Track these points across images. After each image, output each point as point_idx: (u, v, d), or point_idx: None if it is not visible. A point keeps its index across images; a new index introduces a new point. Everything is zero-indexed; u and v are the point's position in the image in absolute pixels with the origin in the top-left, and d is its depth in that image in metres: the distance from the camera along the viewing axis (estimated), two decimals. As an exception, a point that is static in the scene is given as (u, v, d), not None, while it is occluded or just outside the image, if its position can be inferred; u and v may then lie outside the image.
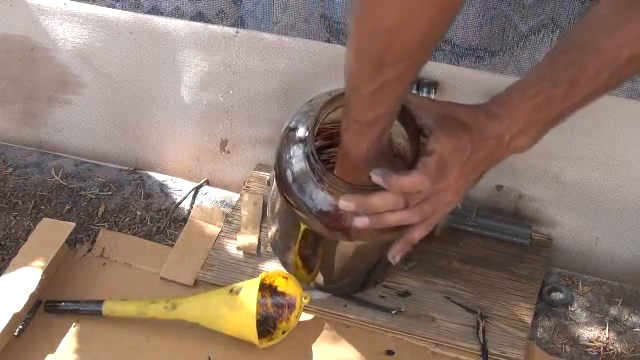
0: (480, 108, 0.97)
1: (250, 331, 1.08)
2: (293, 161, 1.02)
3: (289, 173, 1.02)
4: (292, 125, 1.04)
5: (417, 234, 0.99)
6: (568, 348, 1.14)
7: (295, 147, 1.02)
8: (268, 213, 1.19)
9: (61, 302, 1.16)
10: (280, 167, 1.03)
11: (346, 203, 0.96)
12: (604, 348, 1.14)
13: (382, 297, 1.18)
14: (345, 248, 1.07)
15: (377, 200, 0.95)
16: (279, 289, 1.13)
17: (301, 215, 1.03)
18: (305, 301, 1.13)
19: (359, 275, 1.16)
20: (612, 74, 0.91)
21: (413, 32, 0.78)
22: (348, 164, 0.98)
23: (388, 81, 0.85)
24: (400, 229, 0.99)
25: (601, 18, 0.92)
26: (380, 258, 1.13)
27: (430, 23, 0.78)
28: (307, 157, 1.00)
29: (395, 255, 1.02)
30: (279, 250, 1.19)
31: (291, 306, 1.12)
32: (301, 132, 1.03)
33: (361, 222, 0.97)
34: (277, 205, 1.12)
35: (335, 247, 1.07)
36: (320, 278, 1.16)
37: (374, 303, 1.17)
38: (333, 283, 1.16)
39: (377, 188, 0.94)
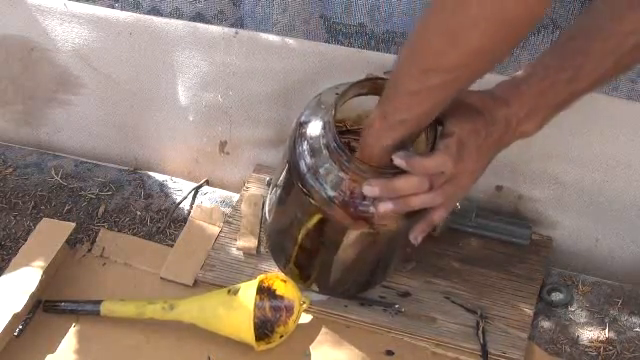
0: (488, 93, 0.98)
1: (247, 332, 1.08)
2: (307, 153, 1.02)
3: (303, 164, 1.02)
4: (303, 119, 1.05)
5: (438, 215, 1.00)
6: (568, 348, 1.14)
7: (309, 139, 1.02)
8: (267, 214, 1.19)
9: (59, 302, 1.16)
10: (293, 160, 1.03)
11: (370, 188, 0.96)
12: (604, 348, 1.14)
13: (382, 297, 1.18)
14: (350, 244, 1.07)
15: (402, 183, 0.95)
16: (277, 292, 1.13)
17: (320, 206, 1.02)
18: (304, 306, 1.12)
19: (359, 276, 1.16)
20: (618, 60, 0.92)
21: (474, 41, 0.79)
22: (365, 153, 0.97)
23: (430, 88, 0.85)
24: (420, 214, 1.00)
25: (608, 4, 0.92)
26: (381, 256, 1.13)
27: (493, 37, 0.79)
28: (327, 145, 0.99)
29: (417, 236, 1.02)
30: (277, 252, 1.19)
31: (289, 311, 1.12)
32: (314, 124, 1.03)
33: (385, 207, 0.97)
34: (280, 203, 1.12)
35: (339, 244, 1.07)
36: (319, 280, 1.16)
37: (375, 300, 1.17)
38: (332, 285, 1.16)
39: (400, 171, 0.95)
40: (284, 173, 1.07)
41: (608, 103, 1.14)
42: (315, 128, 1.03)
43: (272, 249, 1.20)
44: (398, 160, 0.93)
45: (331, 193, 1.00)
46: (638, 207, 1.23)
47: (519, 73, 0.98)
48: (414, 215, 1.00)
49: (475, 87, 1.00)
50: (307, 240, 1.09)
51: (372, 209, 0.99)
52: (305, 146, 1.02)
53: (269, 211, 1.18)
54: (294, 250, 1.12)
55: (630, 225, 1.25)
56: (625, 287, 1.22)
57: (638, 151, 1.18)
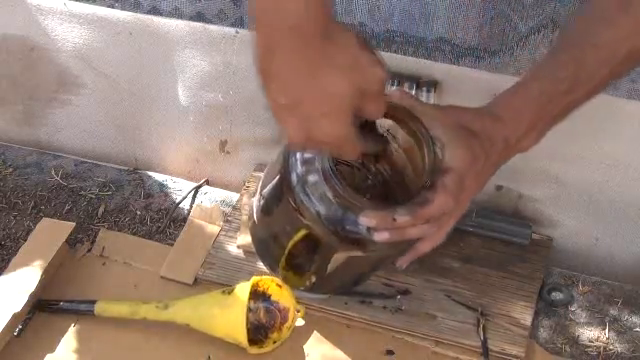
0: (485, 112, 0.97)
1: (240, 333, 1.07)
2: (298, 170, 0.98)
3: (294, 177, 0.98)
4: None
5: (427, 245, 0.99)
6: (568, 348, 1.14)
7: (302, 154, 0.98)
8: (254, 213, 1.16)
9: (54, 302, 1.15)
10: (286, 171, 0.99)
11: (367, 219, 0.94)
12: (604, 348, 1.14)
13: (382, 294, 1.18)
14: (338, 261, 1.05)
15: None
16: (272, 298, 1.12)
17: (311, 225, 0.99)
18: (298, 315, 1.12)
19: (350, 278, 1.15)
20: (613, 69, 0.91)
21: None
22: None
23: None
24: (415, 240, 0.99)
25: (599, 12, 0.92)
26: (373, 266, 1.12)
27: None
28: (322, 171, 0.95)
29: (403, 264, 1.01)
30: (265, 255, 1.17)
31: (284, 317, 1.11)
32: None
33: (381, 236, 0.95)
34: (267, 212, 1.09)
35: (329, 259, 1.04)
36: (310, 281, 1.14)
37: (375, 294, 1.17)
38: (321, 284, 1.15)
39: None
40: (275, 182, 1.03)
41: (608, 103, 1.14)
42: None
43: (259, 251, 1.18)
44: (402, 218, 0.91)
45: (324, 217, 0.96)
46: (638, 207, 1.23)
47: (515, 85, 0.97)
48: (409, 242, 0.99)
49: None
50: (296, 249, 1.06)
51: (361, 229, 0.96)
52: (298, 156, 0.98)
53: (255, 212, 1.14)
54: (282, 257, 1.10)
55: (630, 225, 1.25)
56: (625, 287, 1.22)
57: (638, 151, 1.19)
